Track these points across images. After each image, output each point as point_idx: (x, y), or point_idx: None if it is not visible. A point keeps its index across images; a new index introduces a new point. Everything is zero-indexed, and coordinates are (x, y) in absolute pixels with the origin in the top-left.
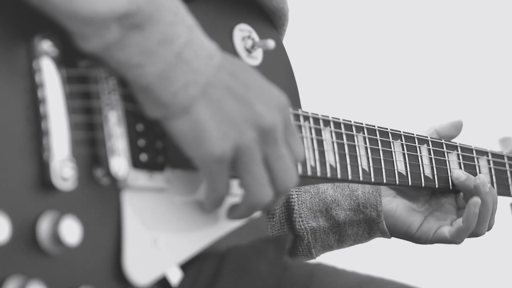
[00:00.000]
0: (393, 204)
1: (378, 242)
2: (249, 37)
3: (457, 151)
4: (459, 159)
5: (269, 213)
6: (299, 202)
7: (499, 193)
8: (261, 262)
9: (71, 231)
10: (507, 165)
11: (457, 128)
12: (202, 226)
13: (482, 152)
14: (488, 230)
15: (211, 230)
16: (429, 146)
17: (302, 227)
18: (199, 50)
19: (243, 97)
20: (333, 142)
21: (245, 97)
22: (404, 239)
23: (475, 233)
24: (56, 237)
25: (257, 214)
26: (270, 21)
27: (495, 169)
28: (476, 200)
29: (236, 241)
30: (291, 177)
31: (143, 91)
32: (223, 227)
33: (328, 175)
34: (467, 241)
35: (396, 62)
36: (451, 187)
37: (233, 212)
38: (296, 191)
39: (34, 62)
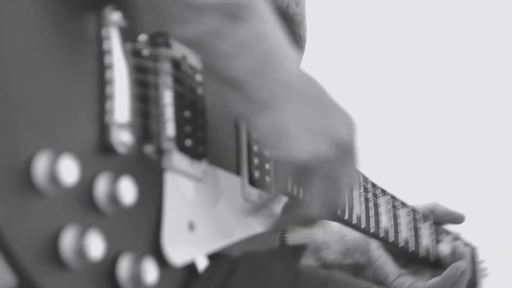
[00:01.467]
0: (378, 252)
1: None
2: None
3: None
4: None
5: None
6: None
7: None
8: (276, 266)
9: (128, 191)
10: None
11: (455, 218)
12: (232, 223)
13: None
14: None
15: (240, 229)
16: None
17: None
18: (288, 52)
19: (327, 112)
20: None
21: (329, 113)
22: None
23: None
24: (113, 196)
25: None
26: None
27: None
28: (460, 264)
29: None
30: (342, 199)
31: (231, 85)
32: (250, 229)
33: None
34: None
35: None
36: (431, 261)
37: (279, 223)
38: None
39: (104, 30)
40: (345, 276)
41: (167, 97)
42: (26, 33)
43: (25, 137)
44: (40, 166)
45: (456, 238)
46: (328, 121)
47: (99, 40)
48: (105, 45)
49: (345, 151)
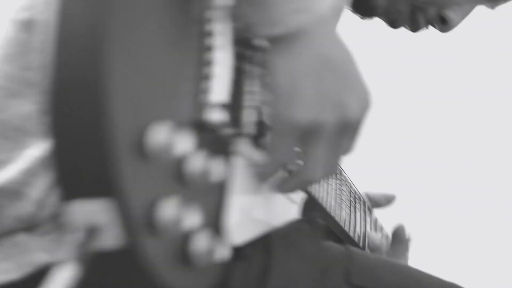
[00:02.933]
0: None
1: None
2: None
3: None
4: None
5: None
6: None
7: None
8: (307, 242)
9: (218, 169)
10: None
11: (388, 200)
12: (277, 208)
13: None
14: None
15: (284, 214)
16: None
17: None
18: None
19: (344, 84)
20: None
21: (345, 85)
22: None
23: None
24: (203, 171)
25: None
26: None
27: None
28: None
29: None
30: (336, 167)
31: (257, 3)
32: (286, 215)
33: None
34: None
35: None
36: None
37: (285, 185)
38: None
39: (208, 12)
40: (361, 251)
41: (256, 86)
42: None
43: (147, 105)
44: (158, 134)
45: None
46: (343, 94)
47: (204, 21)
48: (209, 27)
49: (349, 126)
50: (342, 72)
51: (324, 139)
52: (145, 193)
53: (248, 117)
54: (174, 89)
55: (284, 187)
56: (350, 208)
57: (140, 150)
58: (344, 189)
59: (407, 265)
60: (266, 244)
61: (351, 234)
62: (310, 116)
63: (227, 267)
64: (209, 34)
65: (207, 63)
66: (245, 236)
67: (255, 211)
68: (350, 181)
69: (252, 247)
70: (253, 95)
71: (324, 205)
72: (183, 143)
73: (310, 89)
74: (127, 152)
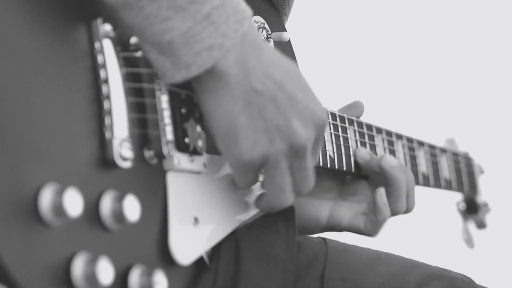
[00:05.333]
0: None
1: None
2: (263, 28)
3: (423, 146)
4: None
5: None
6: None
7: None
8: (276, 241)
9: (133, 208)
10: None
11: (358, 108)
12: (234, 208)
13: (421, 143)
14: (408, 211)
15: (242, 212)
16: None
17: None
18: (230, 15)
19: (284, 111)
20: (331, 134)
21: (286, 112)
22: (318, 232)
23: (394, 213)
24: (118, 214)
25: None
26: (277, 11)
27: (432, 162)
28: (380, 190)
29: None
30: (310, 184)
31: (164, 50)
32: (252, 209)
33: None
34: None
35: (397, 58)
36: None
37: (258, 202)
38: None
39: (96, 43)
40: (340, 246)
41: (164, 102)
42: (18, 58)
43: (30, 170)
44: (46, 200)
45: None
46: (285, 121)
47: (93, 54)
48: (100, 59)
49: (300, 148)
50: (278, 98)
51: (282, 166)
52: (46, 258)
53: (168, 136)
54: (69, 134)
55: (259, 206)
56: None
57: (32, 214)
58: None
59: (393, 258)
60: (235, 251)
61: None
62: (259, 151)
63: (192, 281)
64: (102, 66)
65: (105, 97)
66: (195, 252)
67: (205, 221)
68: None
69: (219, 256)
70: (166, 111)
71: None
72: (78, 204)
73: (251, 126)
74: (12, 217)
